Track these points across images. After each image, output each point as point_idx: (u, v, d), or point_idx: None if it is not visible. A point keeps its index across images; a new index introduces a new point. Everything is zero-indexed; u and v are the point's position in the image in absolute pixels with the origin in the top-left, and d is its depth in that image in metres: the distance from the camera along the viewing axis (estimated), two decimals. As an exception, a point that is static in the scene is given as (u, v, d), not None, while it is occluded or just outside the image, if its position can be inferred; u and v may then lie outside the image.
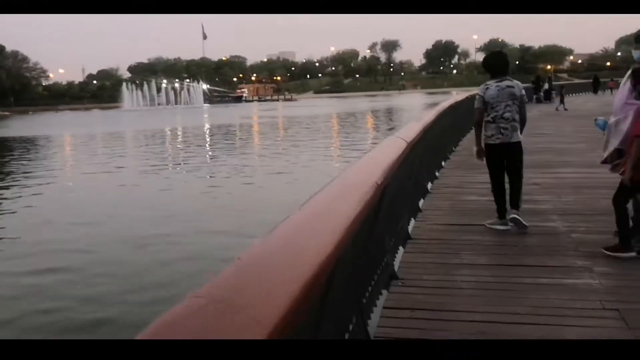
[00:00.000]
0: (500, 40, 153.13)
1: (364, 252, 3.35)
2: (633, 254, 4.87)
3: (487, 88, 6.00)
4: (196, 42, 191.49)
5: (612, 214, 6.30)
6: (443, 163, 10.68)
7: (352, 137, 30.19)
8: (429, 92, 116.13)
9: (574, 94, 40.90)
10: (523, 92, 6.05)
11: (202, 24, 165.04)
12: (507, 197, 6.08)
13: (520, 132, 6.07)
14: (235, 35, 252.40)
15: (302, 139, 29.14)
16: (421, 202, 7.45)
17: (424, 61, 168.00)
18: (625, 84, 5.22)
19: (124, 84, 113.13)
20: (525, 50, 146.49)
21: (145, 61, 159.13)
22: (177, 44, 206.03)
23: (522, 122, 6.05)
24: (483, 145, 6.09)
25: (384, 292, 4.21)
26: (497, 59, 6.21)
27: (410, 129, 3.77)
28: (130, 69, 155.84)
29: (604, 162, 5.37)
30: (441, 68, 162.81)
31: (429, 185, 8.64)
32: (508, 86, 5.95)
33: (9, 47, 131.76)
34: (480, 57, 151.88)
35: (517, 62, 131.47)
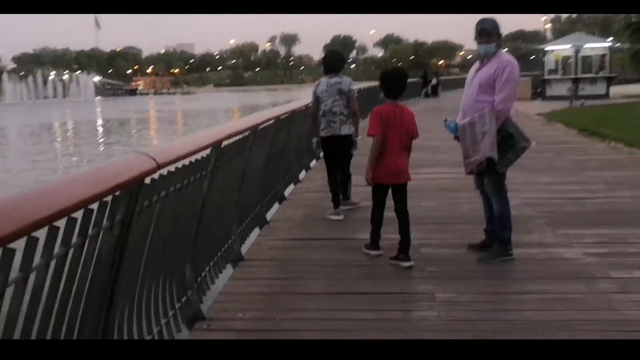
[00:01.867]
0: (395, 35, 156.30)
1: (105, 291, 2.45)
2: (380, 252, 4.81)
3: (319, 84, 6.31)
4: (87, 32, 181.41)
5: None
6: (312, 163, 9.96)
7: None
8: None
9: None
10: (352, 88, 6.25)
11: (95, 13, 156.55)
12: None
13: (356, 126, 6.30)
14: (130, 25, 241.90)
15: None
16: (272, 212, 6.65)
17: (323, 55, 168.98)
18: (473, 79, 4.63)
19: (5, 74, 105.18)
20: (419, 46, 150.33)
21: (31, 51, 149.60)
22: (66, 34, 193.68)
23: (354, 116, 6.26)
24: (319, 138, 6.38)
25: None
26: (331, 57, 6.55)
27: (170, 148, 2.84)
28: (15, 60, 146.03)
29: (471, 173, 4.77)
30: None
31: (289, 190, 7.86)
32: (336, 82, 6.18)
33: None
34: (377, 52, 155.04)
35: (411, 57, 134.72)
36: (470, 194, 6.48)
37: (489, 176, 4.66)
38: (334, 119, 6.13)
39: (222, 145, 3.98)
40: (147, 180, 2.55)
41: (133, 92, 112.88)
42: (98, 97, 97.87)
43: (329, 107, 6.13)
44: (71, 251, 2.04)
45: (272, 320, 3.71)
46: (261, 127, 5.42)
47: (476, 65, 4.70)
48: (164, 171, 2.87)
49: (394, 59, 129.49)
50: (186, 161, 3.25)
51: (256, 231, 5.85)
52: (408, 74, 5.23)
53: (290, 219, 6.41)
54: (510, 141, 4.53)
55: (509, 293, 4.10)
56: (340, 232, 5.67)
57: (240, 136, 4.49)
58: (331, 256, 4.95)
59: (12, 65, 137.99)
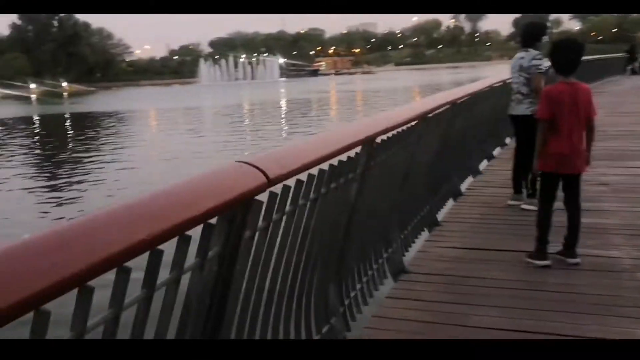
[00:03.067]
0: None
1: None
2: (547, 262, 4.11)
3: (513, 57, 5.93)
4: (275, 15, 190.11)
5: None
6: (497, 151, 8.82)
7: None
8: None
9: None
10: (534, 63, 5.52)
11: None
12: None
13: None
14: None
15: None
16: (444, 211, 5.80)
17: (512, 30, 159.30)
18: None
19: (202, 59, 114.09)
20: (623, 17, 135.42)
21: (225, 36, 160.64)
22: (256, 18, 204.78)
23: (536, 95, 5.43)
24: None
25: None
26: (523, 29, 6.06)
27: (290, 155, 2.07)
28: (211, 44, 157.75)
29: None
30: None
31: (466, 184, 6.92)
32: (520, 57, 5.71)
33: (96, 24, 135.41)
34: (574, 25, 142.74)
35: (614, 30, 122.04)
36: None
37: None
38: (512, 97, 5.76)
39: (379, 140, 3.24)
40: (259, 197, 1.89)
41: (315, 73, 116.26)
42: (282, 78, 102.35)
43: (510, 84, 5.85)
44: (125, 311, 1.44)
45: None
46: (432, 114, 4.59)
47: None
48: (292, 180, 2.21)
49: (593, 33, 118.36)
50: (325, 164, 2.57)
51: (424, 234, 5.07)
52: (584, 45, 4.35)
53: (465, 220, 5.50)
54: None
55: None
56: (524, 242, 4.63)
57: (402, 128, 3.70)
58: (511, 275, 3.99)
59: (209, 50, 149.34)
